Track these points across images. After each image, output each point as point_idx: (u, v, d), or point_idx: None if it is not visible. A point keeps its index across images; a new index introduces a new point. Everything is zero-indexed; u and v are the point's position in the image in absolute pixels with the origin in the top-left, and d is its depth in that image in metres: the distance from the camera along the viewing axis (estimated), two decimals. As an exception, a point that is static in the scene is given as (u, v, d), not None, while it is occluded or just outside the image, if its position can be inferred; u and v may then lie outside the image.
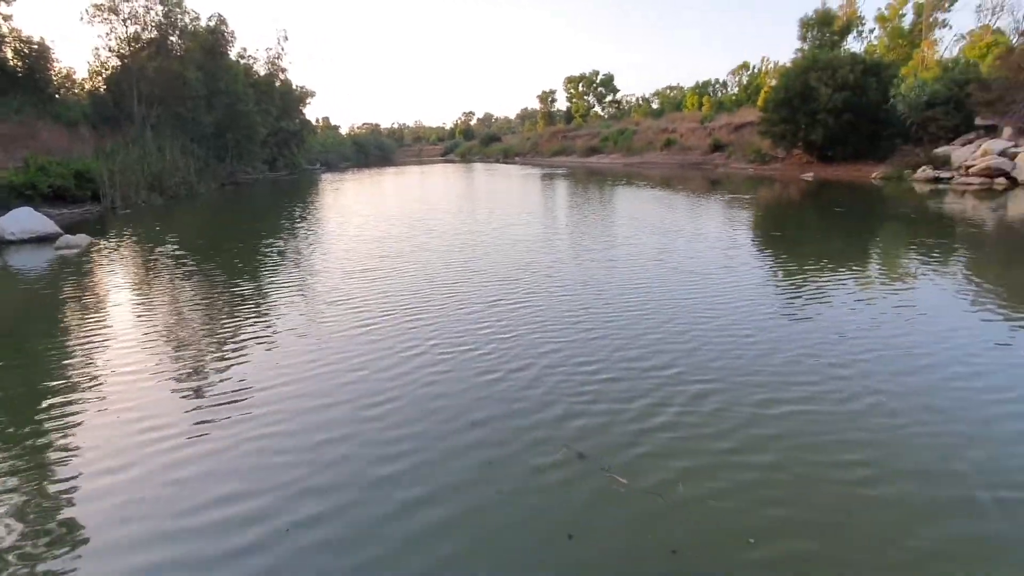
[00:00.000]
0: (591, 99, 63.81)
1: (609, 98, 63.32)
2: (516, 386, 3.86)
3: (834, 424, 3.21)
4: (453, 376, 4.05)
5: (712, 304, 5.54)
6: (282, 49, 37.73)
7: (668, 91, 59.08)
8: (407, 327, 5.15)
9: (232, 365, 4.40)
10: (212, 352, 4.74)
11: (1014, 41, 22.41)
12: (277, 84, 37.58)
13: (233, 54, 31.34)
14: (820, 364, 4.01)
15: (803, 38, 35.03)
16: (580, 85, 63.39)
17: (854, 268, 7.13)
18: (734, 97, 44.49)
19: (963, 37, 36.80)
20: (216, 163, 27.14)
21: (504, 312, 5.52)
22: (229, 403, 3.72)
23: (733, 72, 49.58)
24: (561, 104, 68.23)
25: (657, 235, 9.70)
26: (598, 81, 62.72)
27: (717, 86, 50.10)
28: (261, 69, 36.31)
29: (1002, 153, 15.09)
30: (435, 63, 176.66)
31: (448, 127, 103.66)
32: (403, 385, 3.94)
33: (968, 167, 15.51)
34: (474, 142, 75.98)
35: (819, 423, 3.22)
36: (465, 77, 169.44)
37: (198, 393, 3.93)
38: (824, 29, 34.24)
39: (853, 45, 36.35)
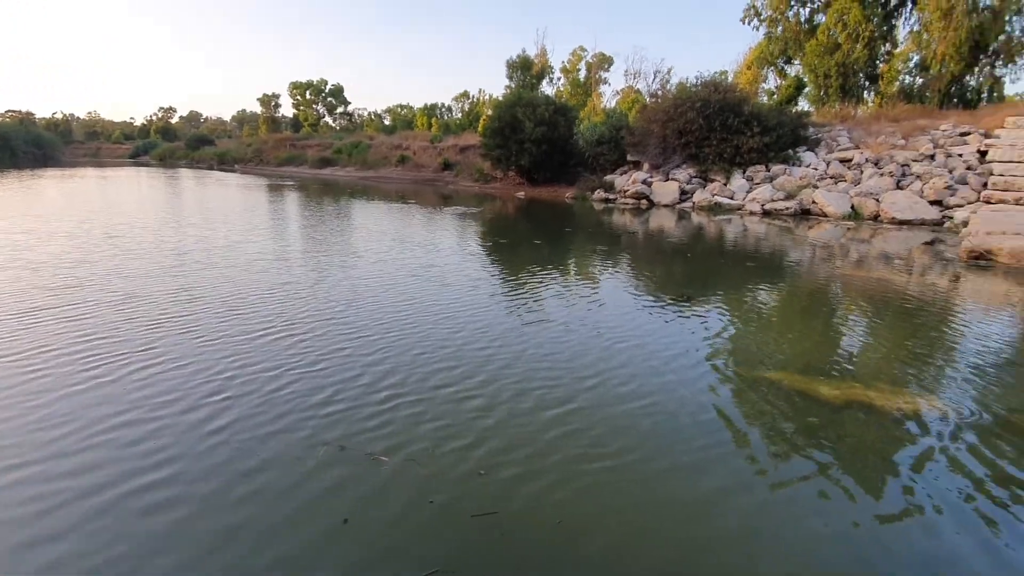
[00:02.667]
0: (321, 109, 61.56)
1: (340, 109, 62.14)
2: (280, 403, 3.81)
3: (569, 401, 4.14)
4: (230, 415, 3.73)
5: (465, 311, 6.28)
6: None
7: (399, 109, 61.12)
8: (131, 375, 4.40)
9: None
10: None
11: (648, 100, 30.56)
12: None
13: None
14: (557, 357, 5.04)
15: (510, 77, 40.76)
16: (308, 93, 60.54)
17: (567, 270, 8.92)
18: (458, 121, 48.82)
19: (618, 92, 48.01)
20: None
21: (262, 344, 5.20)
22: None
23: (456, 99, 54.31)
24: (287, 110, 63.96)
25: (409, 248, 10.24)
26: (327, 91, 60.95)
27: (443, 109, 54.15)
28: None
29: (644, 182, 20.51)
30: (118, 41, 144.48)
31: (139, 123, 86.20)
32: (145, 423, 3.46)
33: (625, 191, 20.61)
34: (178, 144, 64.82)
35: (557, 406, 4.10)
36: (162, 65, 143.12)
37: None
38: (525, 72, 40.49)
39: (547, 88, 43.91)
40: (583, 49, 45.02)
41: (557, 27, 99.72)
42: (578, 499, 2.84)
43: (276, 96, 65.82)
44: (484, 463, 3.11)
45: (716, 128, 19.75)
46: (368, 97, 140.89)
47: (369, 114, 63.94)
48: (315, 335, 5.18)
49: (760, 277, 8.62)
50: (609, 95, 46.36)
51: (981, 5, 22.87)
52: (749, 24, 32.05)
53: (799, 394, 4.16)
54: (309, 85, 60.54)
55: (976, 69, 24.47)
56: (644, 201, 19.89)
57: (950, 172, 16.04)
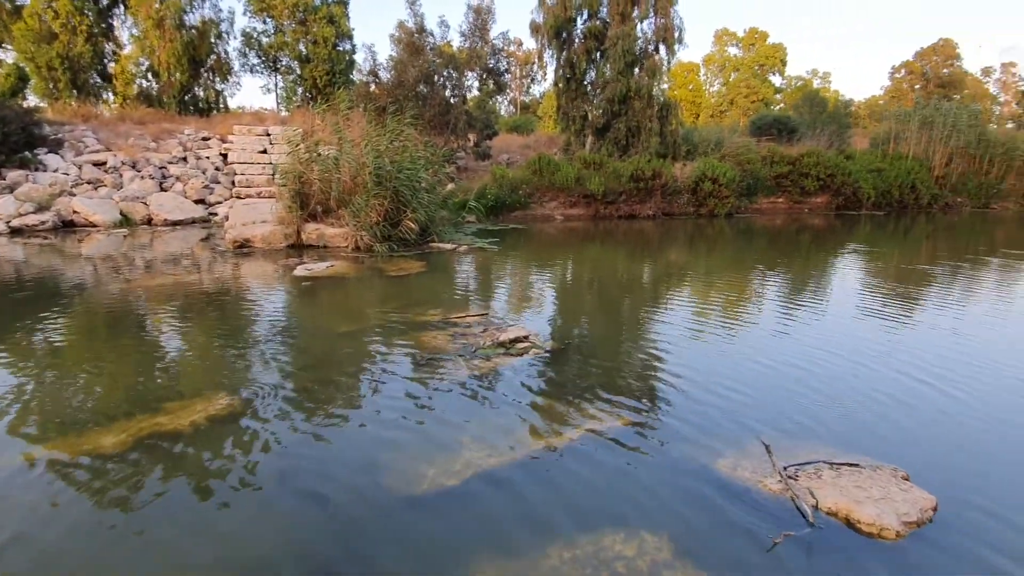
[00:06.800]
0: None
1: None
2: None
3: None
4: None
5: None
6: None
7: None
8: None
9: None
10: None
11: None
12: None
13: None
14: None
15: None
16: None
17: None
18: None
19: None
20: None
21: None
22: None
23: None
24: None
25: None
26: None
27: None
28: None
29: None
30: None
31: None
32: None
33: None
34: None
35: None
36: None
37: None
38: None
39: None
40: None
41: None
42: None
43: None
44: None
45: None
46: None
47: None
48: None
49: (33, 316, 6.77)
50: None
51: (188, 23, 25.68)
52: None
53: (94, 456, 3.52)
54: None
55: (201, 81, 27.71)
56: None
57: (204, 173, 17.86)
